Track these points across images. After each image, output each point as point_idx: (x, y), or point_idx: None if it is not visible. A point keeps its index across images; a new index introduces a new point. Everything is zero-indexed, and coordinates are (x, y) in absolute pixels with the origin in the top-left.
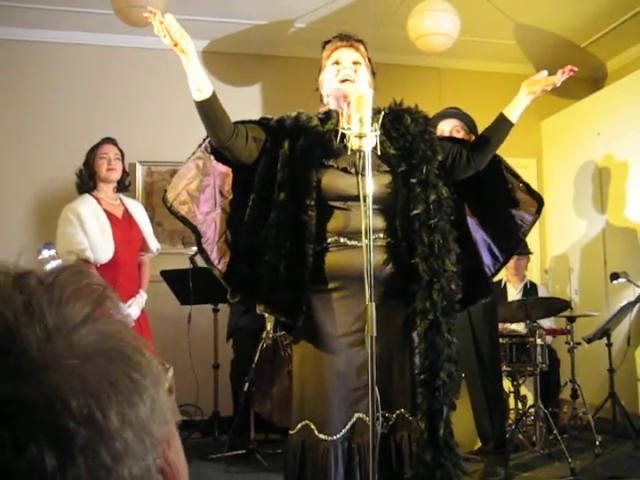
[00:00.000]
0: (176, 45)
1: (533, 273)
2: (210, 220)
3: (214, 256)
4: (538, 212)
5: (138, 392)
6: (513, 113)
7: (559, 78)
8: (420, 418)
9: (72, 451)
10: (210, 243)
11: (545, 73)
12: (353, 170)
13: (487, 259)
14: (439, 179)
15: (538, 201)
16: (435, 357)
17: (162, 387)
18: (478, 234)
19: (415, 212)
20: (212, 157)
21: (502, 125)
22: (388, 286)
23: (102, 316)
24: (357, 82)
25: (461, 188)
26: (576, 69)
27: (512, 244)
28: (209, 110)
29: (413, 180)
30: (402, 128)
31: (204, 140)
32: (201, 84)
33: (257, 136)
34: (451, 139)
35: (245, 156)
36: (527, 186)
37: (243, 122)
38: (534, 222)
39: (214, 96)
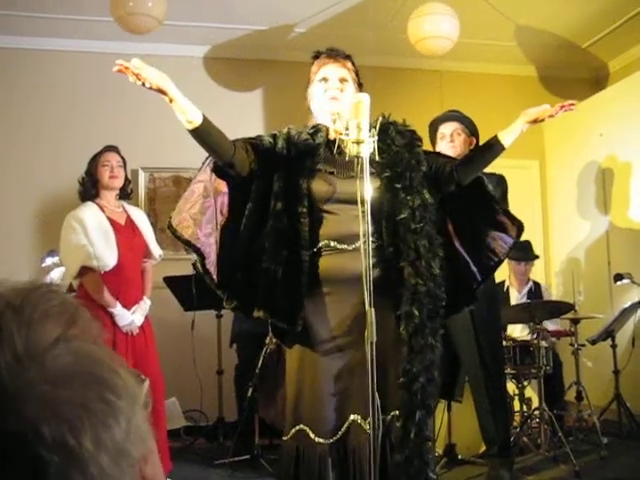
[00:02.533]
0: (159, 89)
1: (536, 274)
2: (212, 241)
3: (216, 276)
4: (518, 236)
5: (113, 414)
6: (507, 137)
7: (556, 110)
8: (398, 419)
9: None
10: (212, 264)
11: (547, 106)
12: (341, 174)
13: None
14: (423, 187)
15: (518, 227)
16: (418, 361)
17: (139, 406)
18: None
19: (401, 216)
20: (213, 176)
21: (493, 147)
22: (377, 289)
23: (75, 336)
24: (343, 101)
25: (445, 208)
26: (575, 103)
27: (491, 265)
28: (204, 135)
29: (398, 185)
30: (388, 140)
31: (204, 163)
32: (189, 116)
33: (253, 149)
34: (437, 154)
35: (247, 168)
36: (507, 213)
37: (237, 140)
38: (514, 245)
39: (206, 120)
